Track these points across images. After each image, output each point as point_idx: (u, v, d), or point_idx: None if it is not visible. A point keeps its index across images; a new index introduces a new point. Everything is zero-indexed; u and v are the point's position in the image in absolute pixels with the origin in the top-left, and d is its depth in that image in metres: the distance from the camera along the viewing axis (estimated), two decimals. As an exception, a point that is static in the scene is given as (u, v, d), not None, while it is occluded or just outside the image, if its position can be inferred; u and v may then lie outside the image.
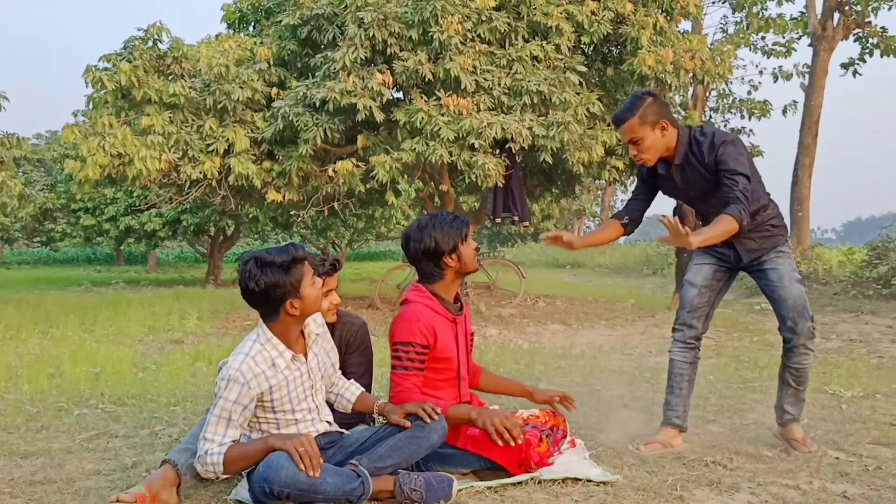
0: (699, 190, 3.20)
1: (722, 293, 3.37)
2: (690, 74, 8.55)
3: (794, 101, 21.24)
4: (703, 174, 3.12)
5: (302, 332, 2.66)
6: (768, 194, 3.24)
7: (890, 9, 16.35)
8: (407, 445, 2.55)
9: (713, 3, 20.59)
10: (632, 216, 3.39)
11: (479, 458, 2.79)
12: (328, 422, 2.73)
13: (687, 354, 3.34)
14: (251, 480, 2.41)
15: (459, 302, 3.07)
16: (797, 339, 3.14)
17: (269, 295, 2.49)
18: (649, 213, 3.52)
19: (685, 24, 13.81)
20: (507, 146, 8.04)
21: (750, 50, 20.46)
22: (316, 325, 2.73)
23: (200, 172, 8.62)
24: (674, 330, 3.38)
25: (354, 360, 3.20)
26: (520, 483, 2.68)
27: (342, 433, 2.76)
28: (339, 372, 2.94)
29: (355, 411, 2.89)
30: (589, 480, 2.72)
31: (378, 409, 2.79)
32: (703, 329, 3.35)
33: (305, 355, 2.64)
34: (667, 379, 3.39)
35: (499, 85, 7.97)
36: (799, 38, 19.54)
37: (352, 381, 2.95)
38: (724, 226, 2.89)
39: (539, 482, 2.69)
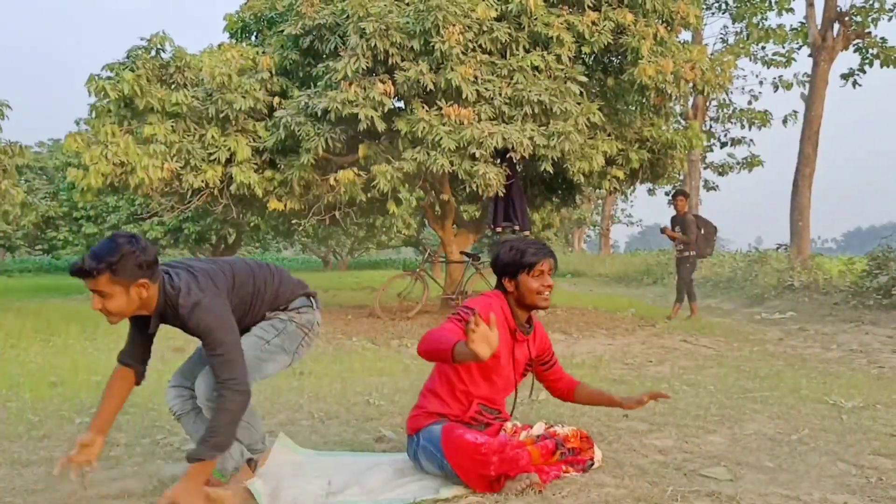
0: None
1: None
2: (690, 84, 8.58)
3: (795, 111, 21.35)
4: None
5: None
6: None
7: (889, 19, 16.43)
8: None
9: (713, 13, 20.68)
10: None
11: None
12: None
13: None
14: None
15: (531, 324, 3.01)
16: None
17: None
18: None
19: (685, 35, 13.88)
20: (507, 156, 8.07)
21: (750, 60, 20.57)
22: None
23: (202, 181, 8.66)
24: None
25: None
26: (522, 492, 2.66)
27: None
28: None
29: None
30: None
31: None
32: None
33: None
34: None
35: (500, 95, 8.00)
36: (799, 49, 19.63)
37: None
38: None
39: (539, 491, 2.68)
